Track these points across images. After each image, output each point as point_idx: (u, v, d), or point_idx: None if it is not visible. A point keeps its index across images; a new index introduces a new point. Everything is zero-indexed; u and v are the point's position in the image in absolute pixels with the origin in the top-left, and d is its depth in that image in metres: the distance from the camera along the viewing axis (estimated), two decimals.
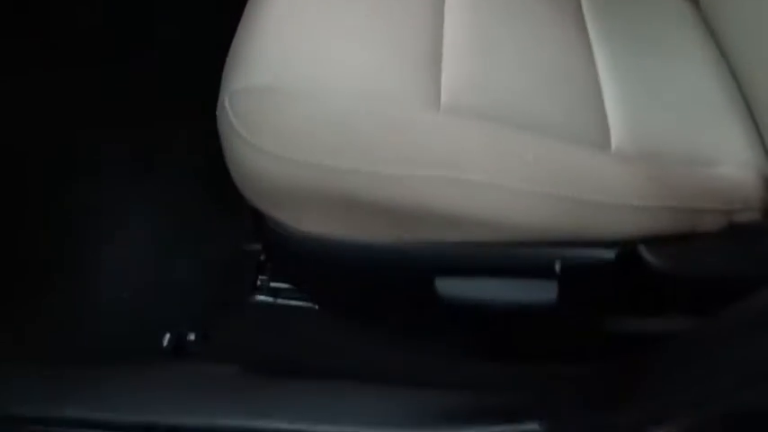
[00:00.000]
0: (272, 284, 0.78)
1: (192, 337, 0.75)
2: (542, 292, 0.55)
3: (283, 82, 0.53)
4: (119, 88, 0.98)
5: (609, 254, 0.53)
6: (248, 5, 0.63)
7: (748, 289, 0.46)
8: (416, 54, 0.59)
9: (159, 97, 0.97)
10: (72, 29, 1.03)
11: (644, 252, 0.52)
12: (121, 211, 0.88)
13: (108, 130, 0.95)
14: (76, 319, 0.78)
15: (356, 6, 0.61)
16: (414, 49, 0.59)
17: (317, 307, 0.76)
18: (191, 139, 0.89)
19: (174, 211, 0.88)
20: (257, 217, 0.58)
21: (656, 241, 0.53)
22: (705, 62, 0.68)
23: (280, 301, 0.78)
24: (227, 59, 0.59)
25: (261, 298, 0.78)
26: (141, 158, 0.93)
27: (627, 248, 0.53)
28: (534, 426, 0.57)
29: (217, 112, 0.55)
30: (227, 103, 0.53)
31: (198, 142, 0.84)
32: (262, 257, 0.79)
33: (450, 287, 0.56)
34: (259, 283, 0.79)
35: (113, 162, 0.92)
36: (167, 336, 0.75)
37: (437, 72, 0.58)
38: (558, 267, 0.54)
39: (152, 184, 0.90)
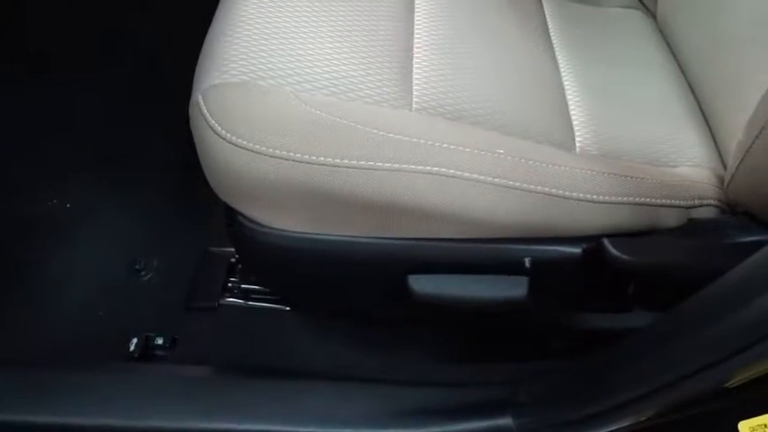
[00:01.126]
0: (243, 286, 0.78)
1: (159, 341, 0.74)
2: (513, 288, 0.56)
3: (256, 78, 0.54)
4: (88, 91, 0.96)
5: (575, 249, 0.55)
6: (218, 8, 0.64)
7: (707, 281, 0.49)
8: (388, 55, 0.60)
9: (129, 100, 0.96)
10: (39, 30, 1.01)
11: (608, 246, 0.54)
12: (89, 213, 0.87)
13: (76, 132, 0.93)
14: (41, 324, 0.77)
15: (325, 8, 0.62)
16: (385, 50, 0.60)
17: (288, 308, 0.76)
18: (160, 142, 0.88)
19: (142, 213, 0.87)
20: (229, 216, 0.57)
21: (619, 236, 0.55)
22: (661, 69, 0.71)
23: (250, 303, 0.77)
24: (199, 60, 0.58)
25: (231, 300, 0.78)
26: (109, 160, 0.91)
27: (592, 243, 0.55)
28: (507, 421, 0.58)
29: (189, 110, 0.55)
30: (200, 100, 0.53)
31: (167, 144, 0.84)
32: (232, 260, 0.79)
33: (422, 284, 0.57)
34: (229, 285, 0.78)
35: (81, 164, 0.90)
36: (134, 340, 0.74)
37: (409, 73, 0.60)
38: (527, 263, 0.55)
39: (120, 187, 0.89)
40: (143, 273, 0.82)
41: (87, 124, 0.94)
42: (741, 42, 0.61)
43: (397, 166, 0.52)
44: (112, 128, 0.94)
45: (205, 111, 0.52)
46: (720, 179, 0.60)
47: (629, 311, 0.61)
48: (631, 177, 0.57)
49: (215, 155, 0.52)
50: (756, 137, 0.52)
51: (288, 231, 0.56)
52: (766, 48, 0.57)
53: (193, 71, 0.58)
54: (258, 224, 0.56)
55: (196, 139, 0.54)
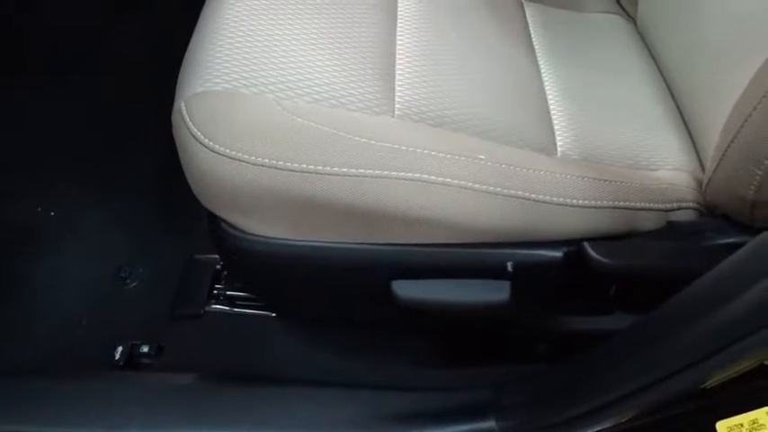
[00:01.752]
0: (229, 293, 0.78)
1: (145, 348, 0.74)
2: (496, 292, 0.57)
3: (239, 86, 0.54)
4: (70, 96, 0.96)
5: (557, 253, 0.56)
6: (202, 14, 0.64)
7: (686, 283, 0.49)
8: (370, 61, 0.60)
9: (111, 105, 0.96)
10: (22, 37, 1.01)
11: (589, 250, 0.55)
12: (73, 221, 0.86)
13: (59, 138, 0.93)
14: (26, 333, 0.76)
15: (308, 15, 0.62)
16: (367, 57, 0.61)
17: (273, 315, 0.76)
18: (145, 149, 0.88)
19: (127, 220, 0.86)
20: (213, 223, 0.58)
21: (600, 240, 0.56)
22: (642, 74, 0.72)
23: (236, 309, 0.77)
24: (182, 67, 0.59)
25: (217, 307, 0.77)
26: (93, 167, 0.91)
27: (573, 247, 0.55)
28: (491, 424, 0.58)
29: (172, 118, 0.55)
30: (182, 108, 0.53)
31: (150, 151, 0.84)
32: (217, 266, 0.79)
33: (406, 289, 0.57)
34: (215, 292, 0.78)
35: (65, 170, 0.90)
36: (120, 348, 0.74)
37: (391, 80, 0.60)
38: (510, 267, 0.56)
39: (105, 194, 0.89)
40: (128, 281, 0.81)
41: (71, 131, 0.94)
42: (719, 47, 0.62)
43: (379, 172, 0.52)
44: (97, 135, 0.94)
45: (187, 119, 0.53)
46: (699, 182, 0.61)
47: (611, 314, 0.62)
48: (611, 181, 0.58)
49: (198, 163, 0.52)
50: (731, 141, 0.53)
51: (272, 238, 0.56)
52: (744, 53, 0.58)
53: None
54: (242, 231, 0.57)
55: (179, 147, 0.54)
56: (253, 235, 0.56)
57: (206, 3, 0.65)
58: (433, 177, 0.53)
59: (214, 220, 0.57)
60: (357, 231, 0.55)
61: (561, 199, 0.55)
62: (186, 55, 0.59)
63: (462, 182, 0.53)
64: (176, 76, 0.58)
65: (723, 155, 0.54)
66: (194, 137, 0.52)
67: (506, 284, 0.56)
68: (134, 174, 0.90)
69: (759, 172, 0.50)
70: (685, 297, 0.46)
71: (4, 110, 0.94)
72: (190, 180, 0.55)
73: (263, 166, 0.51)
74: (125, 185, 0.89)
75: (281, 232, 0.56)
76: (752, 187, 0.51)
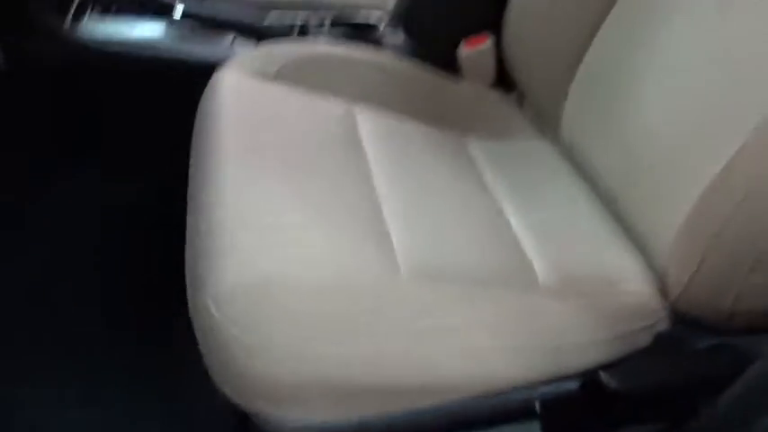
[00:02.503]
0: None
1: None
2: None
3: (269, 276, 0.55)
4: (23, 266, 0.90)
5: (577, 384, 0.59)
6: (189, 194, 0.65)
7: (692, 389, 0.55)
8: (367, 229, 0.64)
9: (68, 278, 0.90)
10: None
11: (602, 378, 0.59)
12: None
13: (31, 327, 0.86)
14: None
15: (296, 186, 0.65)
16: (364, 226, 0.64)
17: None
18: (125, 334, 0.81)
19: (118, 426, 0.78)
20: (243, 417, 0.55)
21: (608, 366, 0.60)
22: (583, 196, 0.79)
23: None
24: (188, 259, 0.58)
25: None
26: (72, 363, 0.83)
27: (588, 377, 0.60)
28: None
29: (194, 317, 0.54)
30: (210, 305, 0.52)
31: (136, 339, 0.78)
32: None
33: None
34: None
35: (42, 368, 0.82)
36: None
37: (389, 242, 0.63)
38: (537, 407, 0.58)
39: (89, 390, 0.80)
40: None
41: (40, 317, 0.86)
42: (652, 162, 0.69)
43: (395, 345, 0.55)
44: (109, 305, 0.87)
45: (219, 317, 0.52)
46: (664, 291, 0.66)
47: (642, 425, 0.65)
48: (603, 309, 0.63)
49: (235, 361, 0.52)
50: (702, 260, 0.59)
51: (300, 424, 0.55)
52: (684, 172, 0.64)
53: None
54: (269, 420, 0.55)
55: (206, 347, 0.53)
56: (281, 422, 0.55)
57: (190, 176, 0.66)
58: (446, 338, 0.56)
59: (242, 413, 0.55)
60: (389, 402, 0.56)
61: (572, 340, 0.59)
62: (188, 246, 0.59)
63: (481, 341, 0.57)
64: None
65: (695, 272, 0.60)
66: (229, 333, 0.51)
67: (536, 424, 0.59)
68: (121, 368, 0.79)
69: (735, 287, 0.57)
70: (715, 410, 0.50)
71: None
72: (220, 379, 0.53)
73: (303, 357, 0.52)
74: (113, 381, 0.79)
75: (309, 415, 0.55)
76: (729, 299, 0.59)
